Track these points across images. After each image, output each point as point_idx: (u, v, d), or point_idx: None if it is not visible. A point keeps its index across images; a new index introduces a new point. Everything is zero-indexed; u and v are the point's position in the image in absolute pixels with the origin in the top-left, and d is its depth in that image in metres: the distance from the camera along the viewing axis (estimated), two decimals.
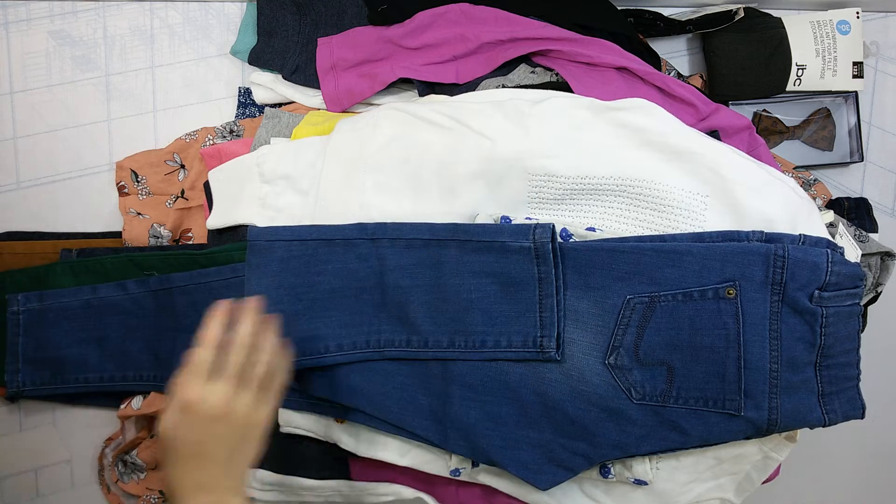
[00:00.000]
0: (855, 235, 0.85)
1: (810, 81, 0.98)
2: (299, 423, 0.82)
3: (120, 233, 0.95)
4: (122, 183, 0.95)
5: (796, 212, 0.72)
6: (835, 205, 0.95)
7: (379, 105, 0.89)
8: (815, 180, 0.94)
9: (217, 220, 0.87)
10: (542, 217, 0.77)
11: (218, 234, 0.88)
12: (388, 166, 0.80)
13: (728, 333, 0.70)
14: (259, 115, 0.97)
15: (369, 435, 0.81)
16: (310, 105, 0.93)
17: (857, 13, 0.97)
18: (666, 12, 0.98)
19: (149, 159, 0.95)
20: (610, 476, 0.76)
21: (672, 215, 0.73)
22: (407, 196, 0.80)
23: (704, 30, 0.97)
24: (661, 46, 1.01)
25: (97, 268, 0.87)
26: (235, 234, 0.87)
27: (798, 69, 0.97)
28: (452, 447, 0.76)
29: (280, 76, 0.94)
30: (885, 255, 0.86)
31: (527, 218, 0.77)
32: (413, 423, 0.77)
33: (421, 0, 0.91)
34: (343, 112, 0.91)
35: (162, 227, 0.94)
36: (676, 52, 1.03)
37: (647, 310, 0.72)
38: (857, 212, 0.95)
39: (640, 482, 0.76)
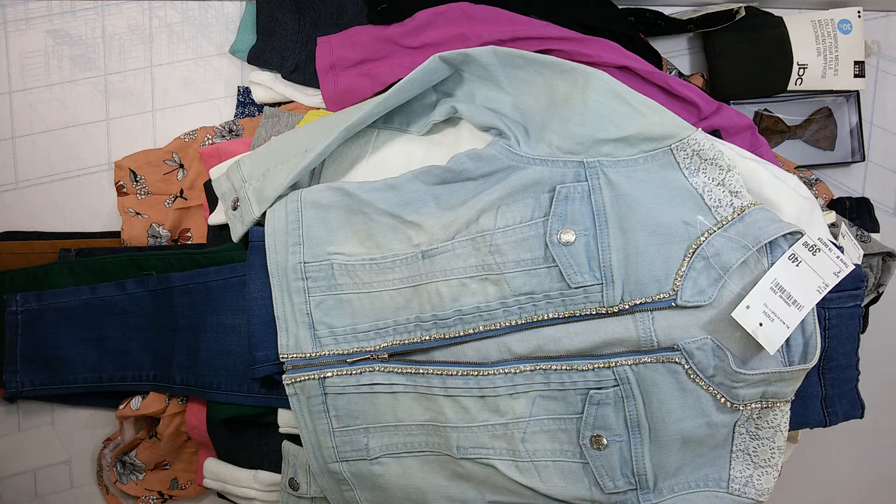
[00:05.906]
0: (857, 236, 0.84)
1: (811, 81, 0.97)
2: None
3: (119, 232, 0.95)
4: (121, 182, 0.94)
5: (799, 211, 0.72)
6: (836, 205, 0.95)
7: None
8: (816, 180, 0.93)
9: (219, 217, 0.87)
10: None
11: (218, 233, 0.88)
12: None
13: None
14: (258, 115, 0.96)
15: None
16: (309, 104, 0.93)
17: (859, 12, 0.97)
18: (667, 11, 0.98)
19: (147, 159, 0.95)
20: None
21: None
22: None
23: (705, 29, 0.97)
24: (662, 45, 1.01)
25: (96, 268, 0.87)
26: None
27: (799, 68, 0.97)
28: None
29: (279, 75, 0.94)
30: (887, 256, 0.85)
31: None
32: None
33: None
34: None
35: (161, 227, 0.94)
36: (677, 52, 1.03)
37: None
38: (858, 212, 0.95)
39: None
